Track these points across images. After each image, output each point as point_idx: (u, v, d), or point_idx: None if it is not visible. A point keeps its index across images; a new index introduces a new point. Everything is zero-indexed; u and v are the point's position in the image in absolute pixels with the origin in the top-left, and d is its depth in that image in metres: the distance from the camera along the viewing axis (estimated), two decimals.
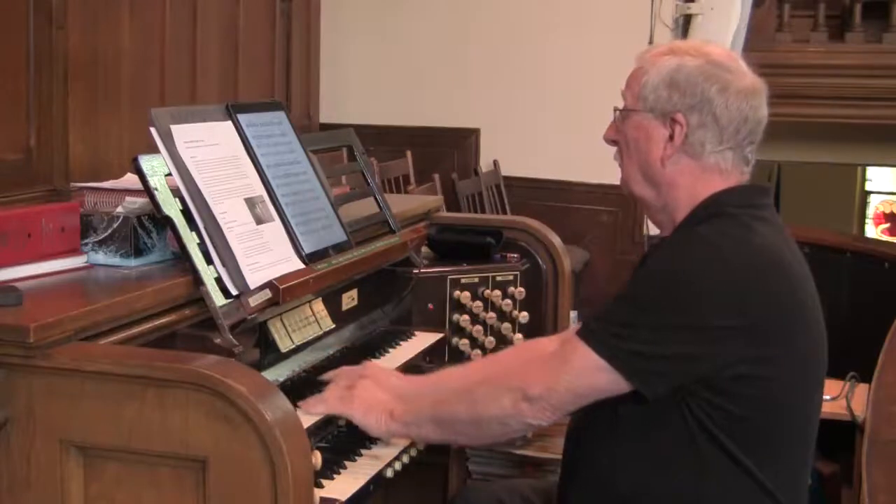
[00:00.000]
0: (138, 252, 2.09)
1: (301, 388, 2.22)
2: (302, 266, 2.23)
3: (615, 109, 2.07)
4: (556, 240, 3.03)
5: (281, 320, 2.23)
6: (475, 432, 2.07)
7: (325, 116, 5.71)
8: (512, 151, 6.23)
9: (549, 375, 1.95)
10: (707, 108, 1.94)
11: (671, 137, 1.97)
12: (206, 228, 2.05)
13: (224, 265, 2.04)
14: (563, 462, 2.12)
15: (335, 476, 1.99)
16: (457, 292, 2.85)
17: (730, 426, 1.88)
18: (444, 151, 6.30)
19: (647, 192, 2.03)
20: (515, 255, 2.97)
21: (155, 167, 2.04)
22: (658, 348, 1.86)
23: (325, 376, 2.26)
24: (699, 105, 1.94)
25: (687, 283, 1.87)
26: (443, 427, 2.08)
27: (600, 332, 1.90)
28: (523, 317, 2.89)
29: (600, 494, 1.99)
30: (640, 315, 1.88)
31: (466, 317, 2.86)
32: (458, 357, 2.84)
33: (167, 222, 2.02)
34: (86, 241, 2.10)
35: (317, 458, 1.78)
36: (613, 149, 2.10)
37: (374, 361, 2.41)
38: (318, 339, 2.36)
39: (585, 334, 1.92)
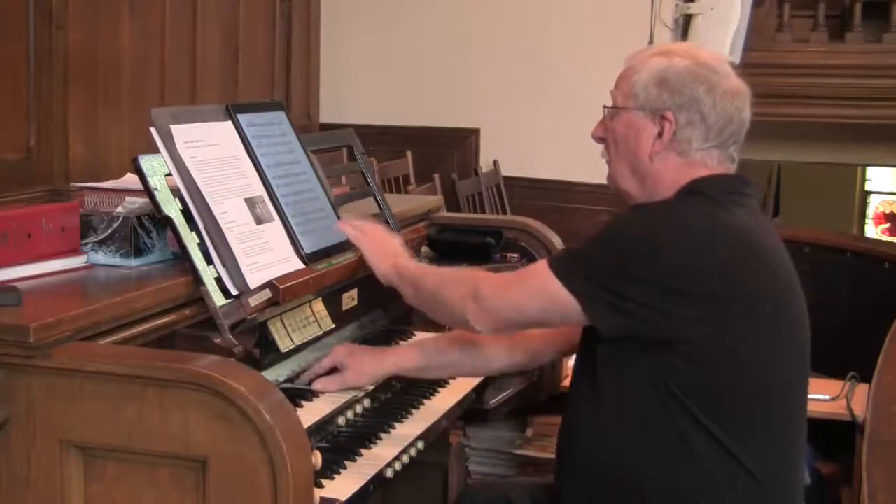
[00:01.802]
0: (138, 252, 2.09)
1: (301, 388, 2.23)
2: (302, 266, 2.23)
3: (605, 108, 2.12)
4: (556, 240, 3.03)
5: (281, 320, 2.23)
6: (432, 308, 2.23)
7: (325, 116, 5.71)
8: (512, 151, 6.23)
9: (502, 281, 2.10)
10: (695, 106, 2.00)
11: (660, 134, 2.03)
12: (206, 228, 2.05)
13: (224, 265, 2.04)
14: (556, 457, 2.14)
15: (335, 476, 1.99)
16: None
17: (704, 400, 1.91)
18: (444, 151, 6.30)
19: (632, 186, 2.09)
20: (515, 255, 2.97)
21: (155, 167, 2.04)
22: (614, 284, 1.92)
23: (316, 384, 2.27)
24: (688, 104, 2.00)
25: (651, 245, 1.92)
26: (415, 291, 2.24)
27: (561, 258, 2.03)
28: None
29: (590, 479, 2.02)
30: (604, 254, 1.96)
31: None
32: None
33: (167, 222, 2.03)
34: (86, 241, 2.10)
35: (317, 458, 1.78)
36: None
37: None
38: (318, 339, 2.36)
39: (550, 261, 2.03)
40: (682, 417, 1.91)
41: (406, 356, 2.39)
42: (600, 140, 2.14)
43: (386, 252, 2.31)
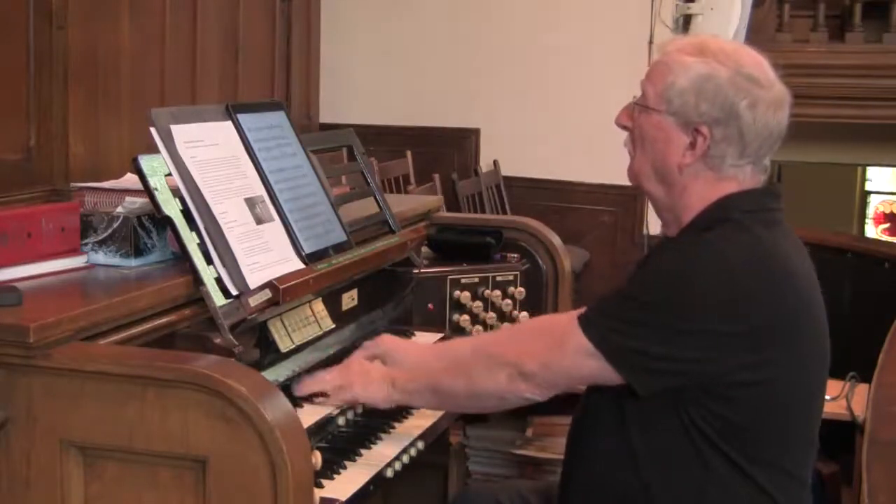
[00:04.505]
0: (138, 252, 2.09)
1: None
2: (302, 266, 2.23)
3: (633, 98, 2.02)
4: (556, 240, 3.03)
5: (281, 320, 2.23)
6: (473, 404, 2.13)
7: (325, 116, 5.71)
8: (512, 151, 6.23)
9: (544, 354, 1.97)
10: (734, 123, 1.90)
11: (692, 145, 1.93)
12: (206, 228, 2.05)
13: (224, 265, 2.04)
14: (565, 461, 2.13)
15: (335, 476, 1.99)
16: (457, 292, 2.85)
17: (730, 434, 1.88)
18: (444, 151, 6.30)
19: (657, 190, 2.01)
20: (515, 255, 2.97)
21: (155, 167, 2.04)
22: (656, 348, 1.86)
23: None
24: (726, 119, 1.90)
25: (690, 288, 1.86)
26: (441, 398, 2.13)
27: (599, 325, 1.91)
28: (523, 317, 2.89)
29: (601, 494, 1.99)
30: (641, 314, 1.88)
31: (466, 317, 2.86)
32: None
33: (167, 222, 2.03)
34: (86, 241, 2.10)
35: (317, 458, 1.78)
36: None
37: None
38: (318, 339, 2.36)
39: (584, 323, 1.92)
40: (709, 448, 1.89)
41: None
42: (624, 128, 2.04)
43: (371, 382, 2.16)
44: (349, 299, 2.52)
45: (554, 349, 1.96)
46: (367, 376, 2.17)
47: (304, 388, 2.19)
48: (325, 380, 2.20)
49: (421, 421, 2.30)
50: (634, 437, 1.94)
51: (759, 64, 1.95)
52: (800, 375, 1.92)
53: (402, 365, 2.23)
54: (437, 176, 5.80)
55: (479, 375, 2.04)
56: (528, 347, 2.02)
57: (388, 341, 2.33)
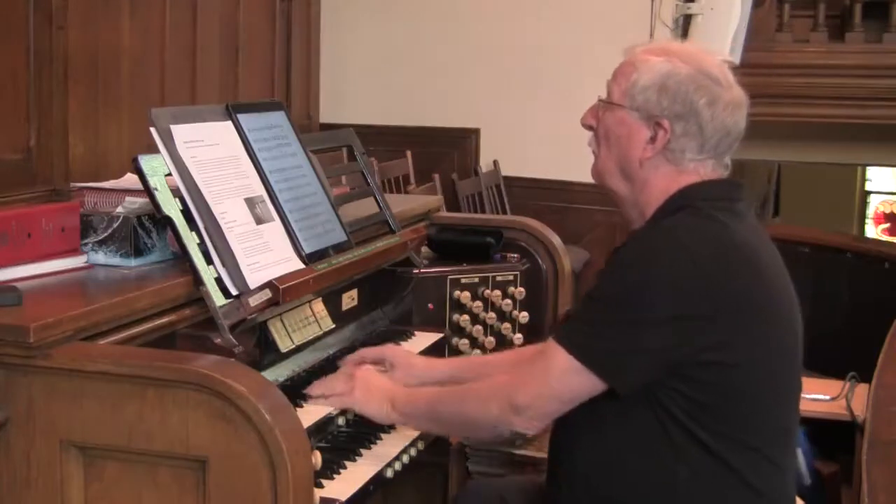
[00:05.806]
0: (138, 252, 2.09)
1: (301, 388, 2.23)
2: (302, 266, 2.23)
3: (599, 98, 2.08)
4: (556, 240, 3.03)
5: (281, 320, 2.24)
6: (467, 433, 2.21)
7: (325, 116, 5.71)
8: (512, 151, 6.23)
9: (534, 384, 1.98)
10: (693, 118, 1.96)
11: (652, 139, 1.99)
12: (206, 228, 2.05)
13: (224, 265, 2.04)
14: (549, 459, 2.14)
15: (335, 476, 1.99)
16: (457, 292, 2.85)
17: (696, 414, 1.90)
18: (444, 151, 6.30)
19: (621, 186, 2.06)
20: (515, 255, 2.98)
21: (155, 167, 2.04)
22: (627, 344, 1.88)
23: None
24: (686, 114, 1.96)
25: (648, 276, 1.88)
26: (438, 424, 2.18)
27: (573, 334, 1.94)
28: (523, 317, 2.90)
29: (581, 486, 2.01)
30: (606, 313, 1.91)
31: (466, 317, 2.86)
32: None
33: (167, 222, 2.03)
34: (86, 241, 2.10)
35: (317, 458, 1.78)
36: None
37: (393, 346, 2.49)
38: (318, 339, 2.36)
39: (560, 337, 1.95)
40: (677, 430, 1.90)
41: (453, 363, 2.44)
42: (589, 128, 2.10)
43: (372, 397, 2.18)
44: (349, 299, 2.52)
45: (542, 376, 1.97)
46: (368, 390, 2.19)
47: (314, 390, 2.21)
48: (328, 383, 2.22)
49: None
50: (609, 428, 1.95)
51: (719, 67, 2.02)
52: (765, 359, 1.93)
53: (407, 375, 2.29)
54: (437, 176, 5.80)
55: (472, 406, 2.06)
56: (518, 378, 2.03)
57: (395, 351, 2.37)
